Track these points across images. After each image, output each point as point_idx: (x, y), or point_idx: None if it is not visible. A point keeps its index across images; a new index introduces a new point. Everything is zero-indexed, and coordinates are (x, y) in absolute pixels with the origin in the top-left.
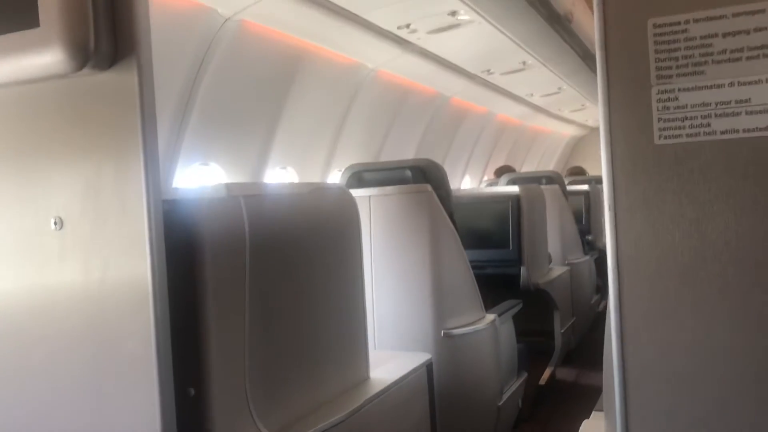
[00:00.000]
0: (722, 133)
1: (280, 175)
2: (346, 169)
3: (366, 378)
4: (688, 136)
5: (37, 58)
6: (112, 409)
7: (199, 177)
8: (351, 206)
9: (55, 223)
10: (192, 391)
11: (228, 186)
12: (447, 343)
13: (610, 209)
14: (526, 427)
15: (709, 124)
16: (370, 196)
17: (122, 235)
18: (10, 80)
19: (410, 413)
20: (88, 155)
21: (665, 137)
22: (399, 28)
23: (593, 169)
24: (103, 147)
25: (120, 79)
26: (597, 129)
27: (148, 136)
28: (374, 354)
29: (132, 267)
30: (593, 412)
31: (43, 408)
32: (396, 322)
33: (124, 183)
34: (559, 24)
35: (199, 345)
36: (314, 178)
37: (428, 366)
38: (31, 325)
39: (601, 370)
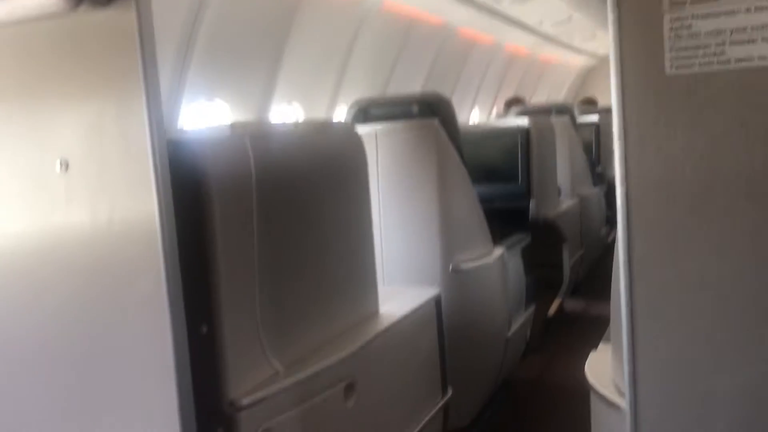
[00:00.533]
0: (737, 61)
1: (286, 110)
2: (352, 103)
3: (375, 312)
4: (701, 65)
5: None
6: (125, 347)
7: (205, 113)
8: (357, 144)
9: (61, 165)
10: (204, 328)
11: (233, 126)
12: (455, 278)
13: (619, 141)
14: (534, 359)
15: (723, 53)
16: (377, 132)
17: (128, 176)
18: (7, 20)
19: (419, 346)
20: (89, 96)
21: (677, 67)
22: None
23: (605, 99)
24: (104, 87)
25: (118, 17)
26: (607, 59)
27: (149, 75)
28: (383, 289)
29: (139, 208)
30: (600, 344)
31: (56, 346)
32: (404, 257)
33: (127, 124)
34: None
35: (209, 283)
36: (320, 112)
37: (437, 300)
38: (42, 266)
39: (609, 300)
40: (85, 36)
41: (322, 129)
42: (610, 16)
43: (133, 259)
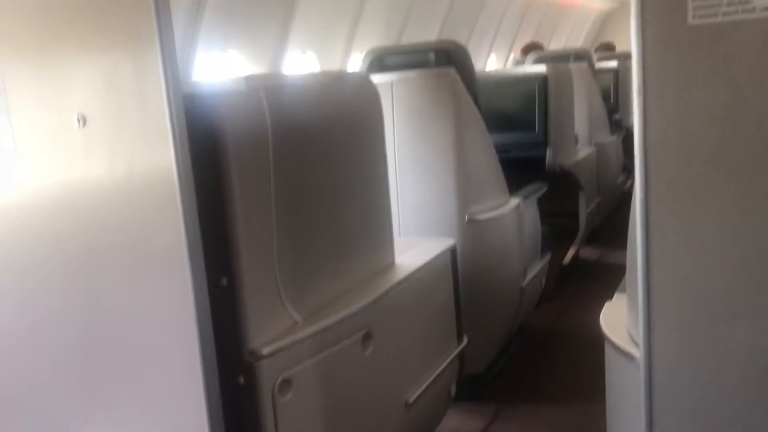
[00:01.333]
0: (763, 9)
1: (300, 59)
2: (367, 52)
3: (392, 263)
4: (724, 14)
5: None
6: (146, 299)
7: (219, 64)
8: (373, 94)
9: (78, 121)
10: (224, 280)
11: (247, 78)
12: (471, 228)
13: (639, 93)
14: (549, 307)
15: (748, 1)
16: (392, 81)
17: (145, 131)
18: None
19: (435, 296)
20: (105, 51)
21: (700, 16)
22: None
23: (623, 45)
24: (119, 42)
25: None
26: (627, 2)
27: (163, 29)
28: (399, 240)
29: (157, 162)
30: (616, 294)
31: (78, 299)
32: (420, 208)
33: (143, 78)
34: None
35: (228, 235)
36: (334, 62)
37: (452, 251)
38: (62, 221)
39: (625, 248)
40: None
41: (337, 80)
42: None
43: (152, 213)
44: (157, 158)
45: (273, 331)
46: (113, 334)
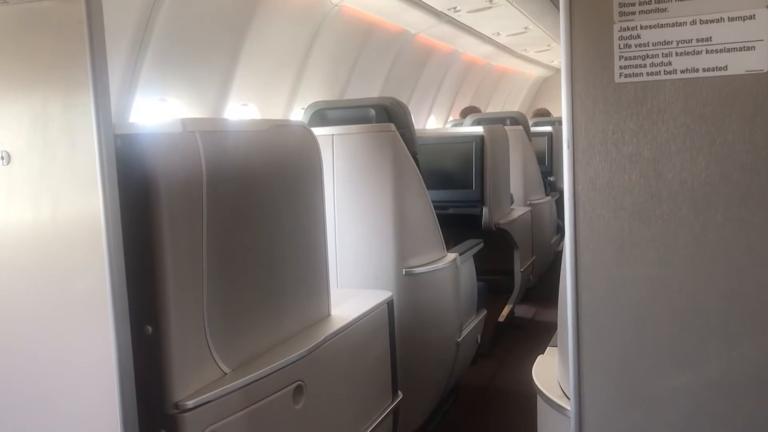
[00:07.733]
0: (682, 72)
1: (241, 111)
2: (308, 106)
3: (327, 315)
4: (648, 74)
5: None
6: (67, 347)
7: (158, 112)
8: (312, 144)
9: (2, 158)
10: (149, 329)
11: (184, 121)
12: (408, 282)
13: (568, 146)
14: (484, 364)
15: (669, 63)
16: (333, 135)
17: (73, 170)
18: None
19: (371, 349)
20: (34, 87)
21: (626, 75)
22: None
23: (558, 111)
24: (50, 79)
25: (66, 6)
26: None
27: (97, 67)
28: (336, 291)
29: (84, 203)
30: (548, 348)
31: None
32: (358, 260)
33: (74, 116)
34: None
35: (155, 282)
36: (276, 115)
37: (389, 303)
38: None
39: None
40: (33, 24)
41: (277, 127)
42: (562, 25)
43: (76, 256)
44: (84, 199)
45: (199, 383)
46: (28, 380)
